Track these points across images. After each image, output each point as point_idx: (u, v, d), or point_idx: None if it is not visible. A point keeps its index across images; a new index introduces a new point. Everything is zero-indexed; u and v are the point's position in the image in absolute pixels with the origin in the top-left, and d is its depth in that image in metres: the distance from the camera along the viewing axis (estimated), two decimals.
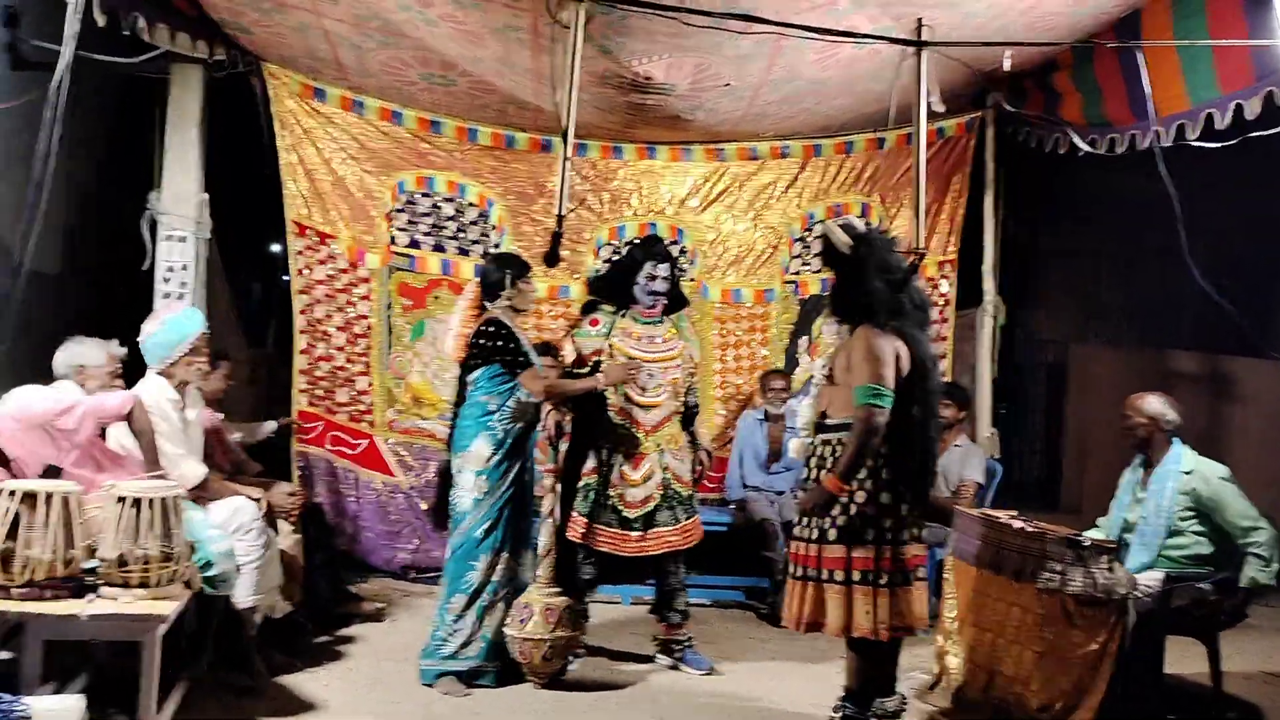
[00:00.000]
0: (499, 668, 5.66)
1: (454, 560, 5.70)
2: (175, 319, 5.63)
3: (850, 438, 4.85)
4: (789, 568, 5.13)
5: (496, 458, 5.68)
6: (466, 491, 5.69)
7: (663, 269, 6.06)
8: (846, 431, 4.92)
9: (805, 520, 5.00)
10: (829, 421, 5.07)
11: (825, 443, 5.05)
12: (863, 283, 5.00)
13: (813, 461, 5.11)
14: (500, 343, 5.67)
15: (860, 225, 5.27)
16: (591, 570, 6.08)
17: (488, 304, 5.80)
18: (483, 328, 5.71)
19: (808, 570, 5.00)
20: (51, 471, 4.77)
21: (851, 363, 4.97)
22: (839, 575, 4.89)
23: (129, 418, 5.03)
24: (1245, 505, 5.48)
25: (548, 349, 7.43)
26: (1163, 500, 5.60)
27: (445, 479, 5.88)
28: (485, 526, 5.65)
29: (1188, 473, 5.58)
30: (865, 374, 4.88)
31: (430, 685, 5.58)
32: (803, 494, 5.09)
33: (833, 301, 5.32)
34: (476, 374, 5.76)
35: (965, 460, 7.31)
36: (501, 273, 5.79)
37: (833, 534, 4.89)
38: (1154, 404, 5.77)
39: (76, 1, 4.90)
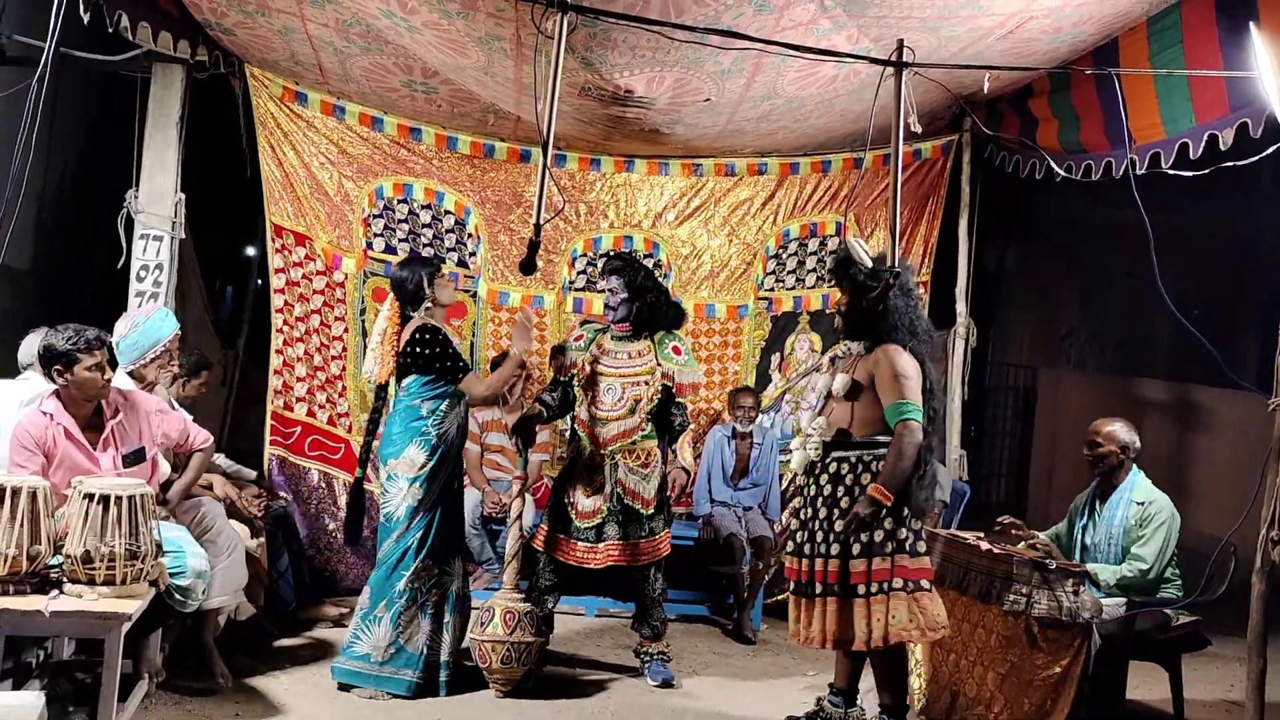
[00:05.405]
0: (421, 679, 5.55)
1: (383, 568, 5.64)
2: (149, 322, 5.62)
3: (893, 453, 4.94)
4: (804, 586, 5.13)
5: (431, 464, 5.63)
6: (399, 499, 5.63)
7: (603, 282, 6.16)
8: (871, 449, 5.04)
9: (830, 536, 5.03)
10: (855, 439, 5.11)
11: (856, 459, 5.10)
12: (887, 302, 5.09)
13: (824, 479, 5.13)
14: (438, 349, 5.62)
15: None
16: (551, 577, 6.08)
17: (412, 312, 5.74)
18: (417, 335, 5.64)
19: (830, 585, 5.01)
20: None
21: (880, 381, 5.05)
22: (885, 585, 4.95)
23: (196, 451, 5.41)
24: (1158, 546, 5.57)
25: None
26: (1113, 527, 5.68)
27: (359, 495, 5.89)
28: (419, 534, 5.59)
29: (1140, 503, 5.66)
30: (899, 391, 4.99)
31: (343, 684, 5.57)
32: (856, 510, 4.97)
33: (849, 319, 5.32)
34: (408, 380, 5.72)
35: None
36: (418, 276, 5.72)
37: (890, 546, 4.95)
38: (1122, 433, 5.83)
39: None
